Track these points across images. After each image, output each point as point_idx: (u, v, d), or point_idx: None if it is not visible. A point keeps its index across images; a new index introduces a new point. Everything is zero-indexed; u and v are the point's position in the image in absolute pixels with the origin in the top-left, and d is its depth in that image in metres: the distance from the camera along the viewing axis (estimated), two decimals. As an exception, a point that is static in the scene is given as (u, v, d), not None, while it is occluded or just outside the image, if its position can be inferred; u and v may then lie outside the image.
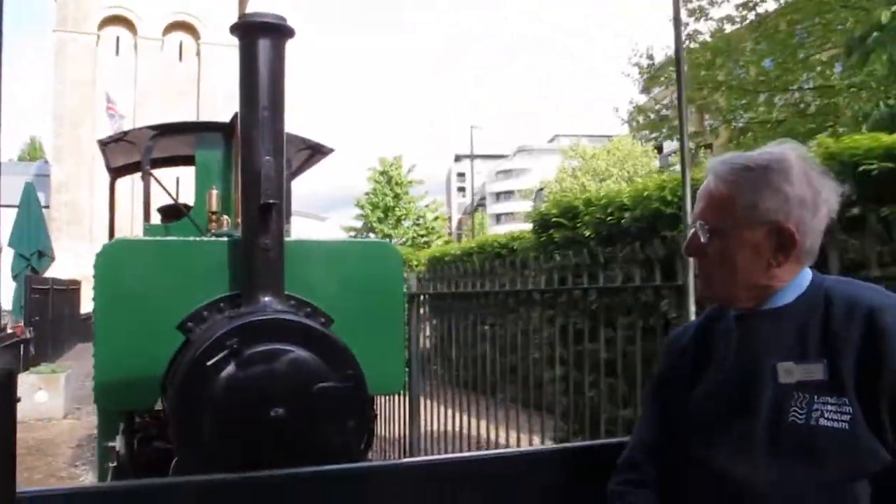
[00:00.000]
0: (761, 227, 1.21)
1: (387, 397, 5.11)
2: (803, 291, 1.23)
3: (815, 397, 1.13)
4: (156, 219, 3.98)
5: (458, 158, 77.09)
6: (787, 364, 1.17)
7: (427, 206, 32.69)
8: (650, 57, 11.16)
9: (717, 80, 9.85)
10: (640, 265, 3.23)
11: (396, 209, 31.01)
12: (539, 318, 4.00)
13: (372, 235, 29.70)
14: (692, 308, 2.36)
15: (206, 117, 26.12)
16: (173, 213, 3.87)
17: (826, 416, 1.11)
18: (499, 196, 68.10)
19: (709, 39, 10.01)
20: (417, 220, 31.60)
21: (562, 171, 37.78)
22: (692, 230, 1.28)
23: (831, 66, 9.16)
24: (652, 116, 11.86)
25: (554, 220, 5.84)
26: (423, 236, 30.64)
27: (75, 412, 8.80)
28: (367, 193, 31.44)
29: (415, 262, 9.92)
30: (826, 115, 9.18)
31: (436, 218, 33.01)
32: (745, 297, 1.25)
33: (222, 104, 25.51)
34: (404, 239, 29.24)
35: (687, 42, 10.15)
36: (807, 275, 1.25)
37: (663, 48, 11.97)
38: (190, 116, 26.36)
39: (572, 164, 37.62)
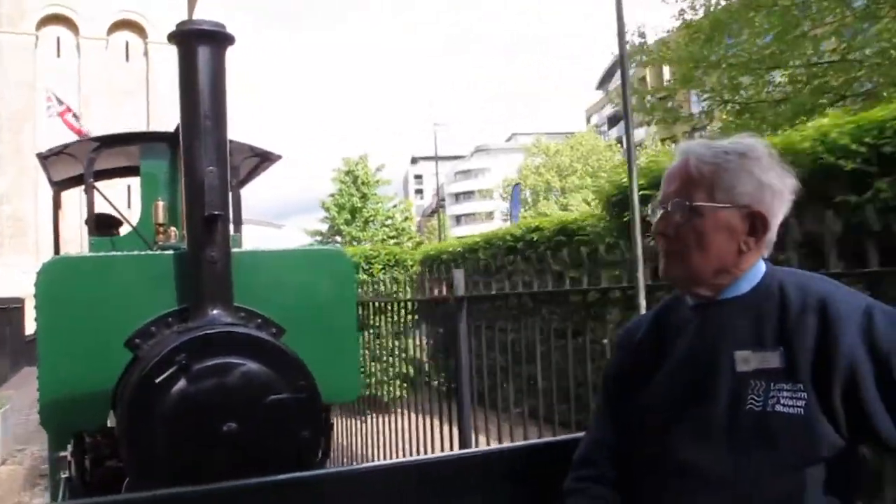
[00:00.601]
0: (738, 210, 1.24)
1: (430, 428, 4.31)
2: (759, 281, 1.26)
3: (772, 384, 1.16)
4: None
5: (414, 160, 76.20)
6: (745, 353, 1.20)
7: (395, 206, 31.43)
8: (642, 35, 10.36)
9: (712, 59, 9.13)
10: (800, 247, 2.18)
11: (364, 210, 29.57)
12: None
13: (339, 239, 28.81)
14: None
15: (155, 117, 25.46)
16: (105, 223, 3.77)
17: (782, 402, 1.15)
18: (458, 197, 67.84)
19: (700, 16, 9.36)
20: (386, 220, 30.17)
21: (525, 168, 37.33)
22: (661, 211, 1.29)
23: (839, 37, 8.44)
24: (648, 98, 10.83)
25: (641, 194, 4.76)
26: (392, 237, 29.44)
27: (17, 455, 7.24)
28: (331, 195, 29.95)
29: (410, 263, 9.26)
30: (828, 91, 8.47)
31: (405, 219, 31.69)
32: (710, 282, 1.27)
33: (173, 104, 24.68)
34: (374, 242, 28.01)
35: (679, 18, 9.67)
36: (762, 265, 1.28)
37: (654, 28, 11.47)
38: (138, 116, 25.62)
39: (535, 162, 37.46)
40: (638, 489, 1.31)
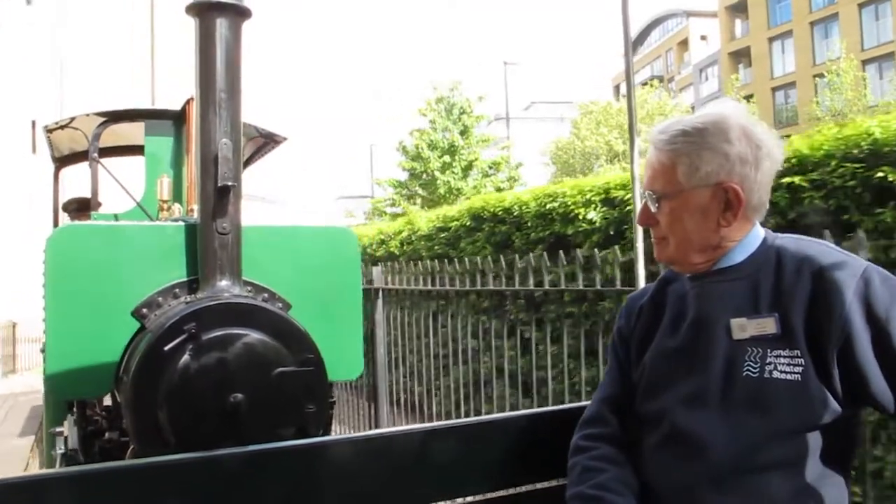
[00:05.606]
0: (706, 189, 1.25)
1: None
2: (755, 249, 1.27)
3: (769, 351, 1.17)
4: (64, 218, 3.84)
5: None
6: (740, 320, 1.21)
7: (503, 147, 22.76)
8: None
9: None
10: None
11: (463, 150, 20.49)
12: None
13: (421, 193, 20.60)
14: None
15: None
16: (83, 206, 3.77)
17: (779, 368, 1.16)
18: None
19: None
20: (490, 167, 21.30)
21: (579, 128, 31.87)
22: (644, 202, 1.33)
23: None
24: None
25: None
26: (500, 191, 18.95)
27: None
28: (417, 131, 21.11)
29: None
30: None
31: (518, 165, 22.33)
32: (699, 259, 1.29)
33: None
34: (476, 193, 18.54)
35: None
36: (758, 233, 1.29)
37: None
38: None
39: (567, 130, 33.04)
40: (642, 447, 1.32)
